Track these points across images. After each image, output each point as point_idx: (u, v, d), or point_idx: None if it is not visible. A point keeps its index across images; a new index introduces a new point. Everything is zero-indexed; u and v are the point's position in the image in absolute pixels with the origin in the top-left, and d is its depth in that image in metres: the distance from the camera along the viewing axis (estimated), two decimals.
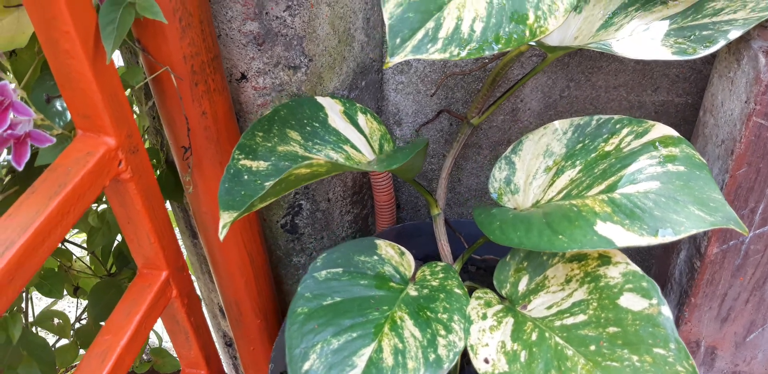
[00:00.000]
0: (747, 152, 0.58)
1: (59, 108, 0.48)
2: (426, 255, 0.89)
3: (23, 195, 0.41)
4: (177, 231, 1.01)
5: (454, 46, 0.49)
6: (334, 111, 0.63)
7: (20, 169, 0.37)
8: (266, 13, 0.65)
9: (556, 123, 0.63)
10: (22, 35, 0.47)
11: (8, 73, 0.48)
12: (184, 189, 0.65)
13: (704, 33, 0.57)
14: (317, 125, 0.62)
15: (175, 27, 0.53)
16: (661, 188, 0.50)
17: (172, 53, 0.54)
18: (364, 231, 0.95)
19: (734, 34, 0.55)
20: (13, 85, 0.45)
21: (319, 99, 0.64)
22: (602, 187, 0.54)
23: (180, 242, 0.72)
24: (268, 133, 0.58)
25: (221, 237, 0.46)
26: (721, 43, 0.55)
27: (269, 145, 0.58)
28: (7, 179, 0.54)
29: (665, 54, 0.57)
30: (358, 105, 0.66)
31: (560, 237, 0.50)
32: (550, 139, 0.62)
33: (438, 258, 0.87)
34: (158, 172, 0.79)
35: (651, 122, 0.57)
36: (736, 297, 0.67)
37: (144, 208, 0.51)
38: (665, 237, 0.47)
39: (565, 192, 0.57)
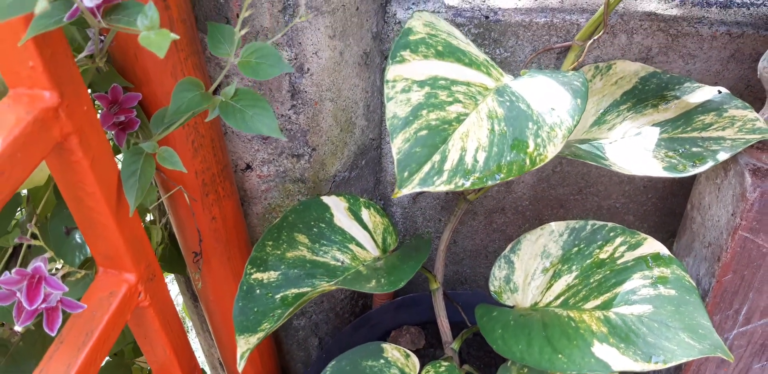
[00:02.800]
0: (733, 261, 0.61)
1: (78, 240, 0.50)
2: (425, 322, 0.92)
3: (52, 347, 0.43)
4: (178, 290, 1.02)
5: (458, 177, 0.52)
6: (339, 209, 0.65)
7: (53, 334, 0.39)
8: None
9: (553, 225, 0.65)
10: (40, 173, 0.49)
11: (24, 205, 0.49)
12: (194, 284, 0.66)
13: (694, 149, 0.60)
14: (323, 226, 0.64)
15: (187, 148, 0.55)
16: (654, 313, 0.53)
17: (185, 172, 0.56)
18: (364, 297, 0.98)
19: (722, 156, 0.58)
20: (31, 222, 0.46)
21: (325, 199, 0.66)
22: (598, 302, 0.57)
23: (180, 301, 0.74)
24: (277, 240, 0.60)
25: (240, 368, 0.48)
26: (710, 163, 0.58)
27: (278, 252, 0.60)
28: None
29: (657, 169, 0.59)
30: (361, 200, 0.68)
31: (560, 356, 0.53)
32: (546, 240, 0.65)
33: (436, 326, 0.90)
34: (161, 248, 0.81)
35: (643, 235, 0.60)
36: None
37: (161, 327, 0.53)
38: (657, 363, 0.50)
39: (562, 299, 0.60)
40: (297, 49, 0.62)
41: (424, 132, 0.52)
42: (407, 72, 0.54)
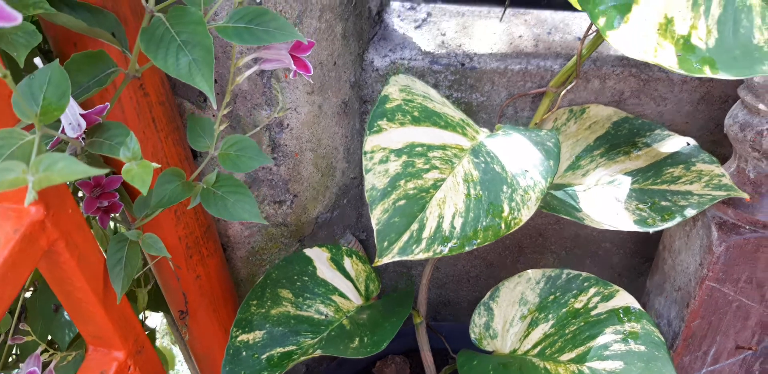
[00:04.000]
0: (701, 308, 0.64)
1: (67, 317, 0.51)
2: (408, 349, 0.94)
3: None
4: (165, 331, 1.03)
5: (437, 244, 0.53)
6: (321, 261, 0.67)
7: None
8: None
9: (530, 272, 0.67)
10: None
11: None
12: (182, 336, 0.68)
13: (663, 203, 0.62)
14: (307, 279, 0.65)
15: (170, 217, 0.56)
16: (625, 370, 0.55)
17: (168, 238, 0.57)
18: None
19: (690, 212, 0.60)
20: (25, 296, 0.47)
21: (308, 252, 0.67)
22: (573, 355, 0.59)
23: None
24: (261, 298, 0.62)
25: None
26: (678, 219, 0.60)
27: (263, 311, 0.61)
28: None
29: (628, 223, 0.62)
30: (344, 248, 0.69)
31: None
32: (524, 288, 0.67)
33: (418, 353, 0.92)
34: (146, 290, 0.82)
35: (615, 287, 0.63)
36: None
37: None
38: None
39: (539, 348, 0.63)
40: (276, 108, 0.63)
41: (402, 202, 0.53)
42: (384, 141, 0.55)
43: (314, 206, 0.76)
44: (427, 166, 0.56)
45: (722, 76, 0.38)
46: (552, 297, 0.65)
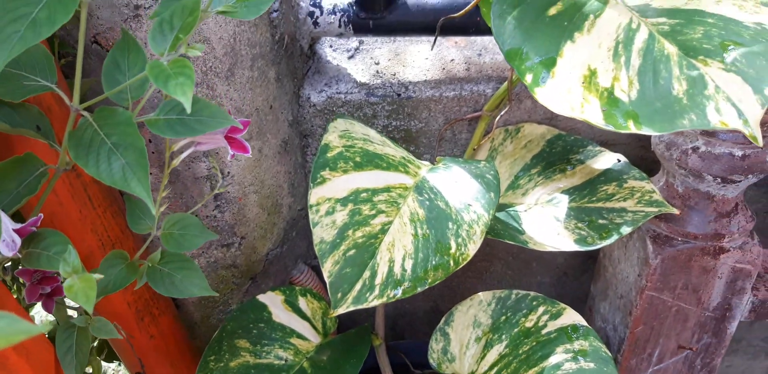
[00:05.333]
0: (642, 315, 0.68)
1: None
2: (367, 368, 0.96)
3: None
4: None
5: (389, 289, 0.54)
6: (276, 305, 0.67)
7: None
8: (196, 215, 0.67)
9: (481, 295, 0.69)
10: None
11: None
12: None
13: (600, 221, 0.65)
14: (263, 325, 0.65)
15: None
16: None
17: (117, 306, 0.56)
18: None
19: (626, 229, 0.63)
20: None
21: (261, 298, 0.67)
22: None
23: None
24: (219, 352, 0.62)
25: None
26: (615, 237, 0.63)
27: (221, 365, 0.61)
28: None
29: (569, 243, 0.64)
30: (297, 288, 0.69)
31: None
32: (477, 310, 0.69)
33: (379, 372, 0.94)
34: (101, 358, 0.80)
35: (562, 305, 0.65)
36: None
37: None
38: None
39: (496, 369, 0.65)
40: (215, 159, 0.62)
41: (352, 251, 0.54)
42: (329, 191, 0.55)
43: (263, 244, 0.76)
44: (373, 212, 0.56)
45: (646, 131, 0.40)
46: (504, 317, 0.68)
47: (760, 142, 0.38)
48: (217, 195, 0.66)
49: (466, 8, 0.63)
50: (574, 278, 1.03)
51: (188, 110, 0.29)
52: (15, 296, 0.45)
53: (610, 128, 0.41)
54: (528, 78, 0.44)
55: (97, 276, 0.32)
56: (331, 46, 0.78)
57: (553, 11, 0.47)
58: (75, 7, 0.30)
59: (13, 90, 0.34)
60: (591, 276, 0.97)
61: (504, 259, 0.99)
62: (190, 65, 0.31)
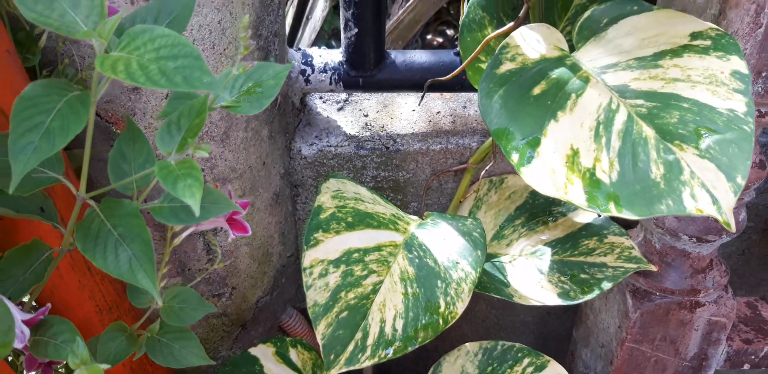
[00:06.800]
0: (623, 366, 0.70)
1: None
2: None
3: None
4: None
5: (381, 349, 0.56)
6: (267, 357, 0.68)
7: None
8: (188, 270, 0.68)
9: (468, 345, 0.71)
10: None
11: None
12: None
13: (582, 276, 0.68)
14: None
15: None
16: None
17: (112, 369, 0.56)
18: None
19: (606, 285, 0.65)
20: None
21: (253, 351, 0.68)
22: None
23: None
24: None
25: None
26: (597, 292, 0.65)
27: None
28: None
29: (552, 298, 0.66)
30: (287, 340, 0.71)
31: None
32: (464, 361, 0.71)
33: None
34: None
35: (546, 357, 0.67)
36: None
37: None
38: None
39: None
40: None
41: (344, 313, 0.55)
42: (322, 253, 0.57)
43: (254, 293, 0.77)
44: (365, 272, 0.58)
45: (626, 214, 0.43)
46: (490, 368, 0.69)
47: (734, 228, 0.40)
48: (209, 250, 0.67)
49: (454, 73, 0.65)
50: (557, 317, 1.05)
51: (196, 214, 0.31)
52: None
53: (595, 210, 0.43)
54: (514, 158, 0.46)
55: (105, 366, 0.33)
56: (320, 98, 0.80)
57: (537, 90, 0.49)
58: (87, 116, 0.32)
59: (23, 184, 0.35)
60: (573, 314, 1.00)
61: (488, 299, 1.01)
62: (198, 167, 0.33)
